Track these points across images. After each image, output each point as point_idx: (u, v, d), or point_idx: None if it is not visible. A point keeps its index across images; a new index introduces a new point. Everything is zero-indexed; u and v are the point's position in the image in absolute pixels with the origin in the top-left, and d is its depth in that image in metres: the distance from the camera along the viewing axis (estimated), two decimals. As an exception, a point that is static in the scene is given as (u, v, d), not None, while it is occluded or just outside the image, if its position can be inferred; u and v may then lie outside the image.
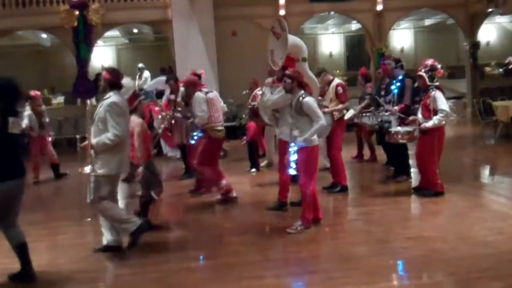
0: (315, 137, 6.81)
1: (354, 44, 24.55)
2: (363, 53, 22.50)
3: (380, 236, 6.46)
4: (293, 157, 6.86)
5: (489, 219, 6.92)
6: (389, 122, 9.16)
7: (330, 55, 24.30)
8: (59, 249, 6.82)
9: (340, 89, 8.93)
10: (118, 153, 6.07)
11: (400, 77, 9.64)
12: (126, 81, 7.01)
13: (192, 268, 5.87)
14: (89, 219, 7.85)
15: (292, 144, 6.82)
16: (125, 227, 6.22)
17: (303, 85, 6.93)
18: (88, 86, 17.73)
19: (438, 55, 20.29)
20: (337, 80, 9.14)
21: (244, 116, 13.93)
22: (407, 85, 9.49)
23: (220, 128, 8.68)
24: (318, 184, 7.53)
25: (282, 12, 18.94)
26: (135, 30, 22.38)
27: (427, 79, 7.96)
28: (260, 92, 8.92)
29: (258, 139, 11.59)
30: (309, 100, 6.75)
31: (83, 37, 17.75)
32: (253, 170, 11.19)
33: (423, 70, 8.06)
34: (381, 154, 10.99)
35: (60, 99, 18.94)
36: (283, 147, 7.73)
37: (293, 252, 6.09)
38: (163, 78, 9.28)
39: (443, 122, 7.91)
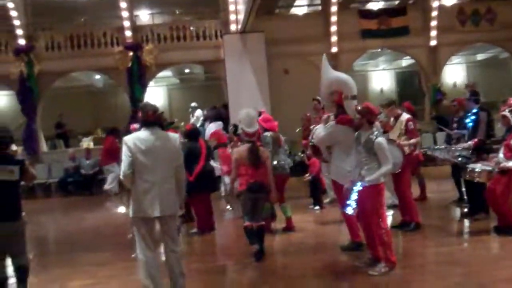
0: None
1: (405, 80, 24.25)
2: (414, 88, 22.20)
3: (475, 278, 6.05)
4: (354, 196, 6.50)
5: None
6: (468, 158, 8.79)
7: (381, 91, 23.95)
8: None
9: (411, 124, 8.66)
10: (133, 195, 5.73)
11: (475, 110, 9.32)
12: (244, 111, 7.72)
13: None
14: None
15: (359, 183, 6.47)
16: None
17: (373, 122, 6.66)
18: (142, 125, 17.81)
19: (491, 89, 20.00)
20: (406, 115, 8.84)
21: (300, 153, 13.76)
22: (481, 119, 9.16)
23: None
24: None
25: (334, 49, 18.87)
26: (187, 70, 22.56)
27: (511, 119, 7.62)
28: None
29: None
30: (382, 141, 6.43)
31: (137, 78, 17.97)
32: (317, 207, 10.88)
33: (507, 110, 7.75)
34: (446, 191, 10.59)
35: (113, 138, 19.04)
36: (336, 186, 7.58)
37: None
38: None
39: None
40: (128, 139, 5.68)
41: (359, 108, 6.69)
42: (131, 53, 17.91)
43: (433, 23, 19.06)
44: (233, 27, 18.08)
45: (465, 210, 9.46)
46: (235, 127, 12.51)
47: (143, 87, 18.31)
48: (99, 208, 13.75)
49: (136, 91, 18.06)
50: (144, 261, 5.66)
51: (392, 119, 8.87)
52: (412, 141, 8.56)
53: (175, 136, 6.10)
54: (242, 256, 7.71)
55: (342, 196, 7.27)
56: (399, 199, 8.81)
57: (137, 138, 5.71)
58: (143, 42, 18.24)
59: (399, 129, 8.71)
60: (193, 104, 19.65)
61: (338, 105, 7.60)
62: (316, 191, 11.00)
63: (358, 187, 6.41)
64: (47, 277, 7.29)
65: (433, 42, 19.23)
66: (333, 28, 18.81)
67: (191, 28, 18.72)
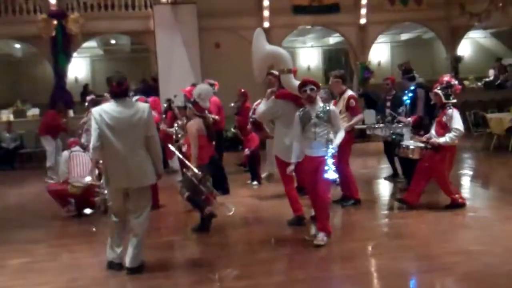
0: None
1: (332, 58, 24.49)
2: (340, 66, 22.42)
3: (423, 251, 6.14)
4: (331, 160, 6.50)
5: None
6: (402, 135, 8.93)
7: (308, 68, 24.09)
8: (75, 269, 6.27)
9: (353, 102, 8.60)
10: (107, 165, 5.83)
11: (412, 88, 9.44)
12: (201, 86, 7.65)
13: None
14: (94, 229, 7.81)
15: (331, 148, 6.46)
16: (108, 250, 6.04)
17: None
18: (66, 97, 17.14)
19: (415, 69, 20.47)
20: (349, 92, 8.78)
21: (232, 129, 13.66)
22: (419, 96, 9.30)
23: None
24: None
25: (266, 24, 18.72)
26: (113, 41, 21.74)
27: (443, 97, 7.76)
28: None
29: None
30: (336, 109, 6.70)
31: (62, 48, 17.15)
32: (255, 183, 10.79)
33: (439, 87, 7.86)
34: (378, 167, 10.79)
35: (34, 110, 18.13)
36: (279, 163, 7.57)
37: (336, 270, 5.73)
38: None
39: (456, 141, 7.77)
40: (95, 111, 5.70)
41: (312, 81, 6.73)
42: (55, 21, 16.98)
43: (363, 1, 19.26)
44: (163, -3, 17.54)
45: (402, 185, 9.66)
46: (169, 101, 12.27)
47: (68, 57, 17.47)
48: (23, 184, 13.09)
49: (60, 61, 17.23)
50: (114, 225, 5.97)
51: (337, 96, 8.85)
52: (356, 119, 8.57)
53: (144, 106, 5.96)
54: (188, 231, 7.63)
55: (284, 173, 7.27)
56: (339, 175, 8.82)
57: (103, 110, 5.70)
58: (68, 10, 17.34)
59: (341, 105, 8.69)
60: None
61: (279, 80, 7.57)
62: (254, 166, 10.90)
63: (331, 151, 6.45)
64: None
65: (362, 20, 19.46)
66: (266, 3, 18.64)
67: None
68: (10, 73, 21.62)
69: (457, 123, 7.64)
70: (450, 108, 7.69)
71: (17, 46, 20.79)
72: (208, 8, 17.61)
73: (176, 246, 7.16)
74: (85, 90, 19.76)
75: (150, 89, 16.93)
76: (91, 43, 20.27)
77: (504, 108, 16.22)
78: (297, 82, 7.35)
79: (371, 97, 14.95)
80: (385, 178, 10.67)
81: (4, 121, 17.11)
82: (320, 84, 7.62)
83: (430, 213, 7.76)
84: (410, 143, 8.33)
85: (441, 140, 7.65)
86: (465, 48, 23.24)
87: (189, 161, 7.20)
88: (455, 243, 6.38)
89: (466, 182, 10.55)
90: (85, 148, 9.15)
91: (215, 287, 5.51)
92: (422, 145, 8.02)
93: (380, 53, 24.48)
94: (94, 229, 8.04)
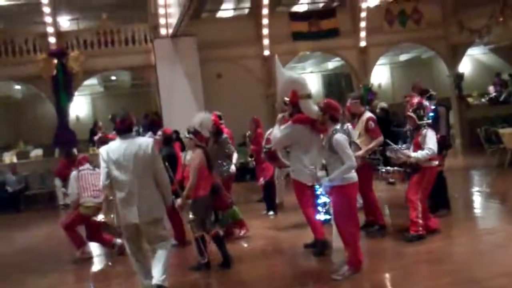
0: (352, 173, 6.25)
1: (332, 83, 24.47)
2: (342, 91, 22.37)
3: (467, 275, 5.88)
4: (321, 200, 6.30)
5: None
6: (379, 159, 8.65)
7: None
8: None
9: (372, 124, 8.40)
10: (117, 203, 5.84)
11: (433, 107, 9.24)
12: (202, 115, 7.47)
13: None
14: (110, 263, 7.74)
15: (324, 185, 6.26)
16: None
17: (336, 118, 6.41)
18: (69, 136, 16.97)
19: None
20: (368, 114, 8.61)
21: (249, 158, 13.39)
22: (441, 115, 9.09)
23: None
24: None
25: (266, 52, 18.69)
26: (113, 77, 21.63)
27: (416, 119, 7.54)
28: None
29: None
30: (339, 138, 6.17)
31: (63, 86, 17.00)
32: (271, 213, 10.54)
33: (411, 110, 7.64)
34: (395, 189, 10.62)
35: (38, 151, 17.92)
36: (296, 186, 7.36)
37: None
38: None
39: (435, 162, 7.51)
40: (102, 150, 5.81)
41: (321, 104, 6.53)
42: (55, 61, 16.88)
43: (362, 24, 19.28)
44: (163, 31, 17.43)
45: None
46: (177, 133, 12.07)
47: (70, 95, 17.31)
48: (31, 226, 12.83)
49: (62, 100, 17.06)
50: (134, 262, 6.00)
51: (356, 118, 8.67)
52: (376, 141, 8.36)
53: (147, 141, 6.01)
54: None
55: (303, 197, 7.05)
56: (363, 200, 8.61)
57: (109, 148, 5.82)
58: (68, 48, 17.26)
59: (360, 128, 8.50)
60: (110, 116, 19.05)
61: (293, 105, 7.44)
62: (269, 196, 10.66)
63: (322, 189, 6.21)
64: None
65: (362, 43, 19.44)
66: (265, 31, 18.61)
67: (119, 32, 17.89)
68: (11, 114, 21.46)
69: (431, 142, 7.39)
70: (425, 128, 7.48)
71: (17, 87, 20.66)
72: (208, 39, 17.55)
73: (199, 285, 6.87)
74: (95, 127, 19.55)
75: (154, 123, 16.81)
76: (92, 81, 20.14)
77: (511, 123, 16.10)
78: (315, 107, 7.21)
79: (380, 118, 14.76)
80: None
81: (7, 163, 16.88)
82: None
83: (461, 235, 7.50)
84: (389, 167, 8.09)
85: (412, 154, 7.38)
86: (465, 65, 23.25)
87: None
88: (497, 264, 6.09)
89: (483, 199, 10.33)
90: (95, 166, 8.89)
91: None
92: (401, 169, 7.82)
93: (380, 75, 24.45)
94: (110, 264, 7.68)
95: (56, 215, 10.88)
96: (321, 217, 6.55)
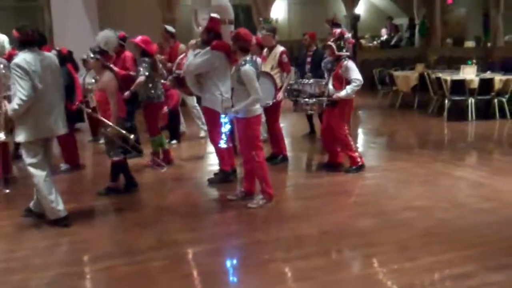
0: (256, 106, 6.24)
1: (236, 14, 24.04)
2: (240, 23, 22.12)
3: (375, 208, 6.12)
4: (224, 128, 6.29)
5: (464, 187, 6.95)
6: (299, 91, 8.79)
7: (207, 24, 23.57)
8: (10, 239, 5.64)
9: (285, 57, 8.47)
10: (32, 117, 5.58)
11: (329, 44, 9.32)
12: (103, 33, 6.89)
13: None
14: (7, 191, 7.05)
15: (223, 115, 6.24)
16: (46, 209, 5.88)
17: (247, 50, 6.30)
18: None
19: (310, 27, 20.60)
20: (280, 47, 8.60)
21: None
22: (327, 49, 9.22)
23: None
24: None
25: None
26: (-2, -11, 19.93)
27: (335, 49, 7.59)
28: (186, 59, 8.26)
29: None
30: (247, 69, 6.08)
31: None
32: (174, 141, 10.37)
33: (331, 40, 7.69)
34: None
35: None
36: (209, 115, 7.24)
37: (288, 229, 5.53)
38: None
39: (353, 95, 7.61)
40: (21, 62, 5.45)
41: (233, 33, 6.34)
42: None
43: (268, -46, 18.97)
44: None
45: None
46: (70, 53, 11.48)
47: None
48: None
49: None
50: (43, 181, 5.74)
51: (266, 49, 8.62)
52: (290, 75, 8.46)
53: (53, 55, 6.06)
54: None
55: (216, 126, 7.00)
56: (269, 131, 8.70)
57: (28, 59, 5.50)
58: None
59: (272, 61, 8.49)
60: None
61: (209, 31, 7.21)
62: (173, 125, 10.45)
63: (225, 119, 6.21)
64: None
65: (266, -24, 19.19)
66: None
67: None
68: None
69: (356, 73, 7.44)
70: (346, 60, 7.49)
71: None
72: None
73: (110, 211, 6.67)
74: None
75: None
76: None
77: (401, 66, 16.75)
78: None
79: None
80: (304, 136, 10.67)
81: None
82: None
83: (365, 170, 7.76)
84: (307, 99, 8.07)
85: (342, 93, 7.43)
86: (359, 7, 23.77)
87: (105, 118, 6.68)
88: (402, 199, 6.38)
89: (388, 138, 10.84)
90: None
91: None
92: (320, 99, 7.83)
93: (277, 10, 24.43)
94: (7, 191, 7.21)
95: None
96: (223, 145, 6.49)
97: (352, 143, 7.76)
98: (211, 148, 9.53)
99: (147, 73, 8.13)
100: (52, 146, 6.10)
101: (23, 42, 5.59)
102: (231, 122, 6.46)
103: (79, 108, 7.68)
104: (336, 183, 7.27)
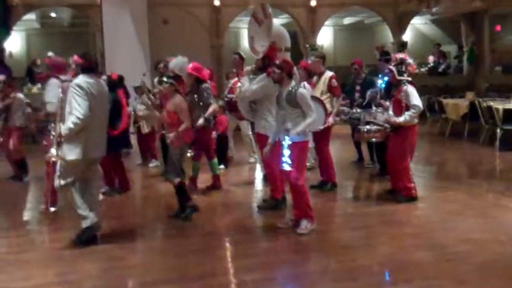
0: (307, 131, 6.38)
1: (277, 40, 24.24)
2: (296, 50, 22.28)
3: (430, 239, 6.01)
4: (287, 151, 6.30)
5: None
6: (358, 119, 8.79)
7: (253, 49, 23.79)
8: (63, 262, 5.73)
9: (334, 82, 8.50)
10: (83, 137, 5.84)
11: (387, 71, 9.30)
12: (177, 60, 7.45)
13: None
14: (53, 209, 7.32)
15: (287, 137, 6.24)
16: (81, 220, 6.05)
17: (293, 75, 6.45)
18: (5, 72, 15.99)
19: (356, 53, 20.61)
20: (329, 73, 8.63)
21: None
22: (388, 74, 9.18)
23: None
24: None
25: (217, 2, 18.31)
26: (53, 14, 20.56)
27: (396, 74, 7.56)
28: (238, 84, 8.37)
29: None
30: (304, 92, 6.32)
31: (2, 19, 16.05)
32: (221, 167, 10.40)
33: (392, 64, 7.69)
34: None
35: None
36: (262, 141, 7.21)
37: (340, 260, 5.47)
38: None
39: (416, 120, 7.55)
40: (82, 82, 5.79)
41: (278, 62, 6.42)
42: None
43: (315, -17, 19.16)
44: (111, -30, 16.63)
45: (373, 170, 9.62)
46: (122, 78, 11.86)
47: (8, 29, 16.40)
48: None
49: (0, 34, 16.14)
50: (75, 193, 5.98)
51: (315, 76, 8.66)
52: (340, 99, 8.49)
53: (104, 82, 6.53)
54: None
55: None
56: (319, 158, 8.69)
57: (87, 82, 5.85)
58: (9, -21, 16.25)
59: (322, 86, 8.52)
60: (49, 54, 18.00)
61: (264, 57, 7.28)
62: (222, 150, 10.52)
63: (287, 141, 6.18)
64: None
65: (313, 2, 19.34)
66: (217, -20, 18.17)
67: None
68: None
69: (415, 99, 7.36)
70: (405, 85, 7.43)
71: None
72: (157, -17, 16.96)
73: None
74: (33, 64, 18.66)
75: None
76: (28, 16, 19.10)
77: (448, 94, 16.50)
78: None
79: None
80: (352, 163, 10.60)
81: None
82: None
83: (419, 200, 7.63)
84: (368, 126, 8.08)
85: (401, 119, 7.36)
86: (406, 34, 23.69)
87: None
88: (457, 231, 6.26)
89: (441, 167, 10.70)
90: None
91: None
92: (381, 127, 7.83)
93: (324, 36, 24.53)
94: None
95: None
96: (286, 167, 6.49)
97: (411, 172, 7.64)
98: (259, 174, 9.65)
99: (212, 100, 8.23)
100: (98, 166, 6.43)
101: (85, 68, 5.95)
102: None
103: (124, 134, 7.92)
104: (387, 212, 7.17)
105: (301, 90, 6.27)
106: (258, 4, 7.75)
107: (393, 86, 7.80)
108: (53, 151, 6.03)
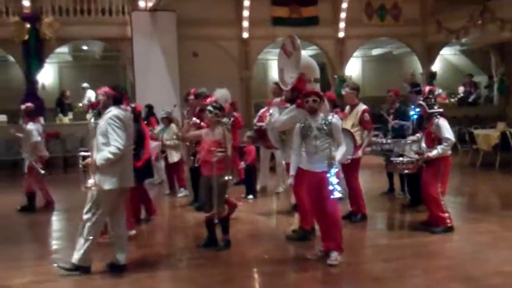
0: None
1: (306, 71, 24.34)
2: (324, 81, 22.35)
3: (463, 272, 5.88)
4: (334, 179, 6.28)
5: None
6: (391, 151, 8.74)
7: (281, 81, 23.89)
8: None
9: (367, 116, 8.46)
10: (119, 166, 5.92)
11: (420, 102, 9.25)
12: (222, 91, 7.40)
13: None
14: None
15: (335, 166, 6.22)
16: (80, 253, 6.01)
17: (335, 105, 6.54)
18: (38, 103, 16.35)
19: (385, 84, 20.59)
20: (363, 106, 8.58)
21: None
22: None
23: None
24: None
25: (245, 34, 18.51)
26: (85, 47, 21.01)
27: (426, 107, 7.54)
28: (268, 113, 8.36)
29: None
30: (338, 122, 6.41)
31: (34, 52, 16.43)
32: (250, 197, 10.41)
33: (421, 98, 7.68)
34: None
35: (2, 117, 17.26)
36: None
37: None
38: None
39: (448, 152, 7.47)
40: (120, 114, 5.93)
41: (316, 92, 6.52)
42: (28, 25, 16.27)
43: (342, 15, 19.30)
44: (141, 4, 16.99)
45: (404, 201, 9.52)
46: (151, 108, 12.11)
47: (41, 62, 16.78)
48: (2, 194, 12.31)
49: (32, 66, 16.53)
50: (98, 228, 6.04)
51: (347, 107, 8.65)
52: (372, 134, 8.53)
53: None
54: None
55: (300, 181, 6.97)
56: (348, 189, 8.61)
57: (123, 114, 6.00)
58: (42, 13, 16.64)
59: (353, 118, 8.49)
60: (84, 85, 19.10)
61: (293, 89, 7.31)
62: (250, 180, 10.53)
63: (334, 170, 6.19)
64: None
65: (341, 34, 19.45)
66: (245, 13, 18.40)
67: (96, 1, 17.37)
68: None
69: (447, 132, 7.33)
70: (437, 118, 7.40)
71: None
72: (188, 16, 17.25)
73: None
74: (62, 96, 19.07)
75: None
76: (61, 49, 19.53)
77: (479, 124, 16.33)
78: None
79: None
80: (383, 193, 10.49)
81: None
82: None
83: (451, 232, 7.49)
84: (401, 158, 8.05)
85: (434, 152, 7.30)
86: (435, 65, 23.61)
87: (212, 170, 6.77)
88: (491, 263, 6.12)
89: (472, 198, 10.53)
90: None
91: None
92: (413, 159, 7.77)
93: (352, 67, 24.57)
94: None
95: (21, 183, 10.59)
96: (337, 194, 6.49)
97: (443, 202, 7.52)
98: (287, 204, 9.60)
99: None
100: (126, 197, 6.41)
101: (117, 99, 6.06)
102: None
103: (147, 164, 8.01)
104: (419, 244, 7.04)
105: (335, 120, 6.34)
106: (286, 36, 7.82)
107: (424, 119, 7.75)
108: (91, 180, 6.07)
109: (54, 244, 7.94)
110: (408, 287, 5.51)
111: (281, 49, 7.78)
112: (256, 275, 6.13)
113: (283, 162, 10.30)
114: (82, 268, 5.99)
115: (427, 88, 7.90)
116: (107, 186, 5.87)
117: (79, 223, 6.09)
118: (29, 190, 10.01)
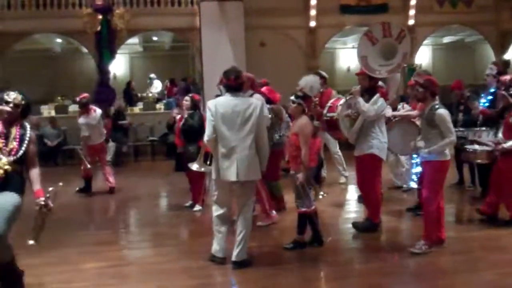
0: (447, 151, 6.23)
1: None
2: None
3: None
4: (416, 169, 6.20)
5: None
6: (464, 138, 8.47)
7: (348, 70, 23.60)
8: (158, 276, 5.89)
9: None
10: (216, 158, 5.89)
11: (492, 90, 8.95)
12: (308, 78, 6.93)
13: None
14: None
15: (415, 155, 6.15)
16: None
17: (436, 94, 6.27)
18: (110, 94, 16.93)
19: (455, 72, 20.01)
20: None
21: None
22: (499, 98, 8.82)
23: None
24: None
25: (312, 23, 18.39)
26: (155, 38, 21.47)
27: (509, 98, 7.23)
28: (340, 102, 8.21)
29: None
30: (443, 112, 6.12)
31: (107, 43, 16.90)
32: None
33: (503, 88, 7.40)
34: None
35: (75, 107, 17.83)
36: (374, 162, 7.15)
37: (437, 287, 5.29)
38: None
39: None
40: (211, 104, 5.80)
41: (422, 81, 6.36)
42: (100, 16, 16.77)
43: (412, 2, 18.85)
44: (210, -6, 17.16)
45: (474, 193, 9.29)
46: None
47: (112, 52, 17.26)
48: (70, 181, 12.77)
49: (105, 58, 17.03)
50: (215, 216, 6.01)
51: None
52: None
53: (258, 102, 5.97)
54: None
55: (378, 175, 7.21)
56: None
57: (217, 102, 5.82)
58: (114, 5, 17.12)
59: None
60: (151, 75, 19.77)
61: (371, 78, 7.28)
62: (316, 172, 10.47)
63: (417, 159, 6.15)
64: (52, 259, 6.48)
65: (411, 22, 19.00)
66: (313, 2, 18.27)
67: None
68: (49, 68, 21.35)
69: None
70: None
71: (58, 40, 20.55)
72: (255, 6, 17.23)
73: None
74: (128, 87, 19.58)
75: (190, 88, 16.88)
76: (132, 40, 20.02)
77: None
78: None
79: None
80: (452, 186, 10.24)
81: (46, 116, 16.89)
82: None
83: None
84: (476, 146, 7.86)
85: (508, 144, 7.02)
86: (509, 53, 22.74)
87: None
88: None
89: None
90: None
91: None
92: (489, 148, 7.54)
93: (422, 55, 24.00)
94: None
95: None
96: (413, 185, 6.44)
97: None
98: (350, 195, 9.53)
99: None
100: (247, 192, 6.00)
101: (225, 86, 5.94)
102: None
103: None
104: (489, 237, 6.88)
105: (440, 111, 6.09)
106: (376, 23, 7.93)
107: (505, 109, 7.50)
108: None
109: (123, 231, 8.22)
110: (476, 280, 5.38)
111: (364, 35, 7.65)
112: (320, 265, 6.12)
113: (338, 150, 10.41)
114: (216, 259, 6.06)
115: (506, 78, 7.64)
116: (212, 176, 6.05)
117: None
118: (86, 175, 10.55)
